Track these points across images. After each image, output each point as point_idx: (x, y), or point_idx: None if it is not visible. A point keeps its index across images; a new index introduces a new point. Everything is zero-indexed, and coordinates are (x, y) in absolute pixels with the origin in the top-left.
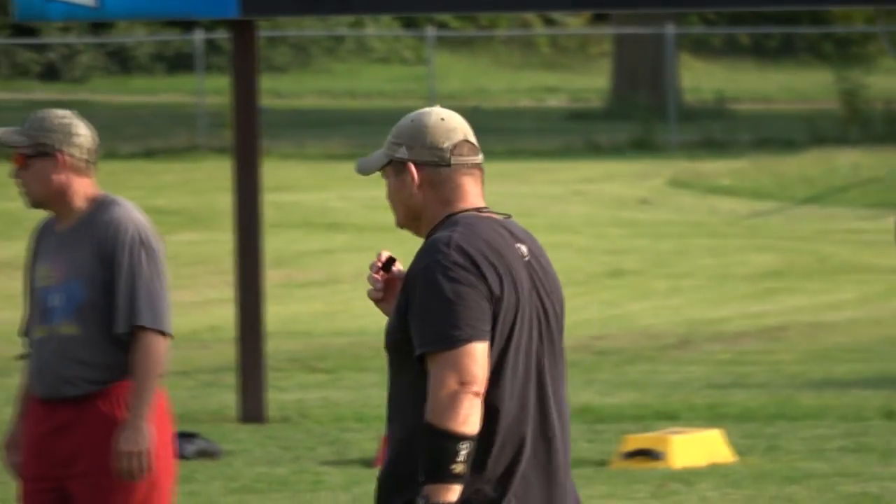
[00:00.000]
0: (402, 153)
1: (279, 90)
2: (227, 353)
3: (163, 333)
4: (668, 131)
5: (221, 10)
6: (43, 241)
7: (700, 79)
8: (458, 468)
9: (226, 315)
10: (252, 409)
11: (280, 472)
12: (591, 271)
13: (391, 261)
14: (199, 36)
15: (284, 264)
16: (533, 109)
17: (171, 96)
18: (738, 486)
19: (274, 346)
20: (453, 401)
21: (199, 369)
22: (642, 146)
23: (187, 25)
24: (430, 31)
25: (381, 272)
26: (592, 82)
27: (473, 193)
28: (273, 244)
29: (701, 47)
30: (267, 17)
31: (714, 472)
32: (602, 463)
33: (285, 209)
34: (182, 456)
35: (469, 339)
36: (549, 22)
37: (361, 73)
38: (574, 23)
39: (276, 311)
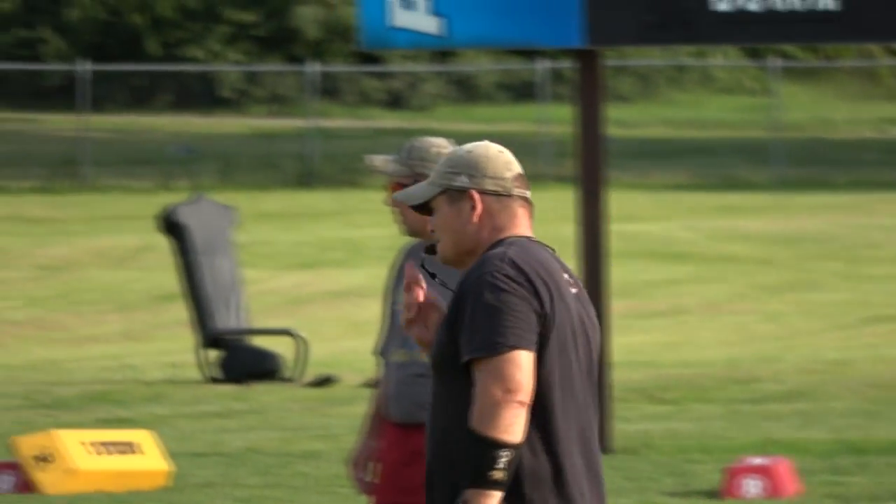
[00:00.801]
0: (461, 182)
1: (623, 120)
2: None
3: None
4: None
5: (567, 39)
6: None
7: None
8: (498, 475)
9: None
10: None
11: (624, 502)
12: None
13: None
14: (543, 65)
15: (629, 295)
16: (876, 140)
17: (514, 125)
18: None
19: (618, 377)
20: (496, 408)
21: None
22: None
23: (531, 54)
24: (775, 62)
25: (423, 282)
26: None
27: (525, 225)
28: (617, 274)
29: None
30: (612, 46)
31: None
32: None
33: (629, 239)
34: None
35: (513, 347)
36: (893, 53)
37: (705, 102)
38: None
39: (621, 342)
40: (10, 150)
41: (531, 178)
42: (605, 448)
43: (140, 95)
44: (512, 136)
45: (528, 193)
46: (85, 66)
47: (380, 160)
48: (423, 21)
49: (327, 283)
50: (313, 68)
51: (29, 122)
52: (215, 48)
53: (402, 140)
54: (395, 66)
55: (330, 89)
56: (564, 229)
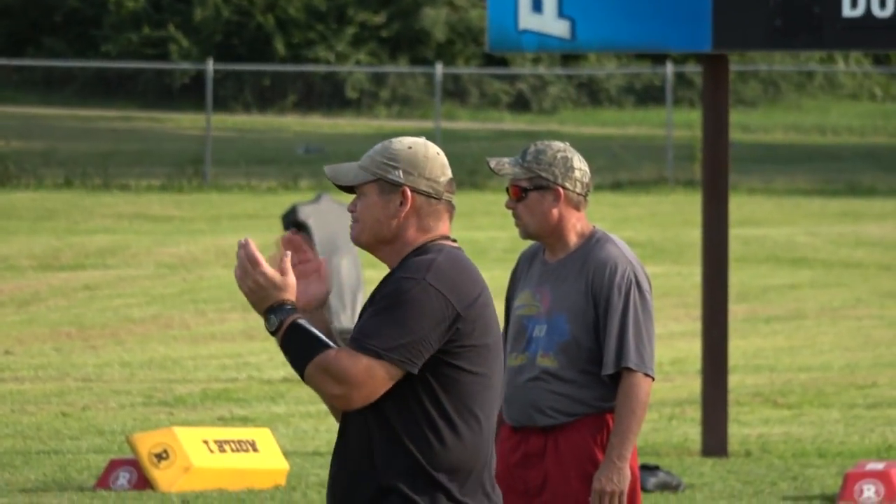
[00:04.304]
0: (396, 176)
1: (748, 125)
2: (691, 386)
3: (648, 376)
4: None
5: (696, 43)
6: (529, 268)
7: None
8: None
9: (689, 348)
10: (714, 442)
11: None
12: None
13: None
14: (669, 69)
15: (749, 299)
16: None
17: (640, 129)
18: None
19: (737, 381)
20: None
21: (663, 402)
22: None
23: (658, 58)
24: None
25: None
26: None
27: (448, 227)
28: (738, 278)
29: None
30: (739, 50)
31: None
32: None
33: (751, 243)
34: (643, 489)
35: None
36: None
37: (831, 109)
38: None
39: (740, 345)
40: (136, 149)
41: (655, 182)
42: (723, 451)
43: (266, 95)
44: (636, 140)
45: (454, 199)
46: (211, 66)
47: (494, 162)
48: (550, 24)
49: None
50: (439, 70)
51: (155, 120)
52: (342, 49)
53: (525, 142)
54: (520, 69)
55: (455, 91)
56: (687, 233)
